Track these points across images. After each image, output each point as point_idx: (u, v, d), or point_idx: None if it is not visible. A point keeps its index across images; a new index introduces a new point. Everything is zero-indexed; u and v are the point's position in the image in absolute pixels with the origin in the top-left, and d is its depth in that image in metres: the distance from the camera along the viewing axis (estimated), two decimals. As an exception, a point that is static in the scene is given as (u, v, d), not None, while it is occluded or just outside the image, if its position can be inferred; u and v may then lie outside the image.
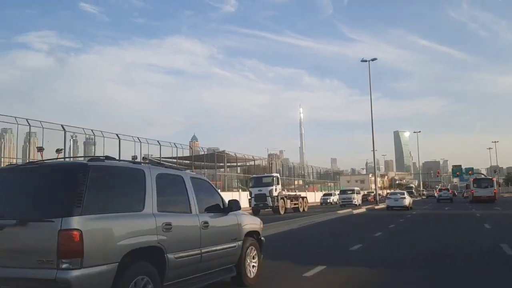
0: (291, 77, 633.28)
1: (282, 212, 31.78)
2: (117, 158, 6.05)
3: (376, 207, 39.02)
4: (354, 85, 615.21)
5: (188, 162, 42.74)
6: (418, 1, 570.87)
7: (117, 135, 33.22)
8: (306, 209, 35.88)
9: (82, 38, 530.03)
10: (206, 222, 5.82)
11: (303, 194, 44.26)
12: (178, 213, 5.52)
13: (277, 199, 32.05)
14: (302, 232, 16.68)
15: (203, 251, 5.64)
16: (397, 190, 51.21)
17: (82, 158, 6.33)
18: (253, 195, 32.62)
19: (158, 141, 36.62)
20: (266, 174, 37.79)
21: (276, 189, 32.57)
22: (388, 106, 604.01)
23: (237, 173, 57.31)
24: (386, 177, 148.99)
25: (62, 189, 4.38)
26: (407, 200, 33.87)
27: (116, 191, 4.75)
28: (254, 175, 38.74)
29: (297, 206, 34.88)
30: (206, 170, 46.48)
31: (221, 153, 47.38)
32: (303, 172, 76.93)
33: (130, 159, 6.12)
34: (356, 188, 47.71)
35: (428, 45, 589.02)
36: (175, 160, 42.00)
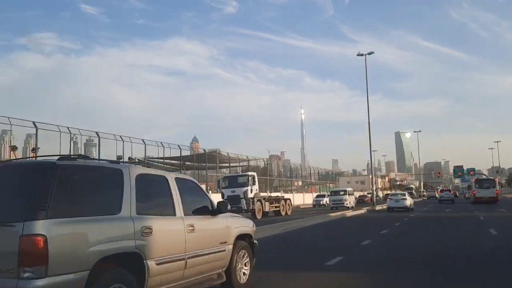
0: (292, 78, 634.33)
1: (259, 216, 28.07)
2: (114, 159, 5.97)
3: (373, 209, 37.75)
4: (355, 86, 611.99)
5: (178, 162, 41.81)
6: (418, 1, 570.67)
7: (114, 136, 32.98)
8: (289, 213, 32.28)
9: (83, 40, 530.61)
10: (192, 225, 5.53)
11: (287, 195, 41.62)
12: (160, 216, 5.19)
13: (253, 202, 28.14)
14: (270, 242, 13.11)
15: (188, 256, 5.35)
16: (398, 191, 50.31)
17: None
18: (225, 197, 28.08)
19: (143, 140, 35.82)
20: (240, 173, 34.24)
21: (251, 190, 28.76)
22: (389, 107, 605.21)
23: (229, 174, 56.00)
24: (386, 178, 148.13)
25: (27, 190, 4.05)
26: (408, 201, 33.47)
27: (88, 193, 4.44)
28: (227, 174, 36.45)
29: (278, 209, 31.17)
30: (199, 171, 46.03)
31: (213, 153, 46.03)
32: (304, 173, 76.40)
33: (114, 159, 5.82)
34: (349, 189, 43.84)
35: (429, 45, 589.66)
36: (168, 161, 41.48)
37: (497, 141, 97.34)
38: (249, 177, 29.57)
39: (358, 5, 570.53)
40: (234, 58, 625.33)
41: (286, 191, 62.39)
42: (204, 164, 46.83)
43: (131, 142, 34.84)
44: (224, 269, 6.26)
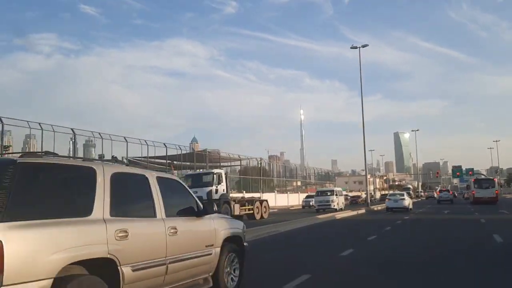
0: (292, 79, 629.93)
1: None
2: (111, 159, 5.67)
3: (366, 210, 34.87)
4: (355, 87, 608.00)
5: (169, 161, 39.79)
6: (418, 2, 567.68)
7: (164, 144, 33.88)
8: (266, 216, 28.74)
9: (83, 40, 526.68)
10: (174, 228, 5.12)
11: (264, 197, 37.48)
12: (138, 218, 4.80)
13: (220, 204, 24.08)
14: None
15: (170, 260, 4.95)
16: (396, 191, 49.00)
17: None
18: None
19: (140, 139, 34.84)
20: (204, 171, 29.62)
21: (217, 190, 24.87)
22: (389, 107, 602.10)
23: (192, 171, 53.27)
24: (384, 178, 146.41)
25: None
26: (407, 202, 32.89)
27: (53, 193, 4.04)
28: (190, 172, 31.64)
29: (251, 212, 27.39)
30: (192, 170, 43.98)
31: (203, 152, 43.61)
32: (303, 174, 75.40)
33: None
34: (337, 189, 39.89)
35: (428, 46, 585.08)
36: (159, 161, 39.51)
37: (497, 140, 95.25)
38: (215, 175, 25.35)
39: (358, 5, 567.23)
40: (234, 58, 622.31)
41: (283, 191, 60.87)
42: (195, 164, 44.87)
43: (127, 142, 34.02)
44: (211, 274, 5.87)
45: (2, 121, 25.18)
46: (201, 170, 30.39)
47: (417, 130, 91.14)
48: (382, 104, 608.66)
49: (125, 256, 4.27)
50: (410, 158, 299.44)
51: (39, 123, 27.06)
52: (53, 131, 27.87)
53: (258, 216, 27.72)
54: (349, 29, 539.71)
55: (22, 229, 3.50)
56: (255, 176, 54.74)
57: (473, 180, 47.70)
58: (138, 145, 36.00)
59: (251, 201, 28.63)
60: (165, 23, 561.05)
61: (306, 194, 56.87)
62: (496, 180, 49.66)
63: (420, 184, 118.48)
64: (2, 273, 3.26)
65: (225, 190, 25.84)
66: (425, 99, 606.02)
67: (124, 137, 32.80)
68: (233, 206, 25.82)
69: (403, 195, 35.04)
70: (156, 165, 43.29)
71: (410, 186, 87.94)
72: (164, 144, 37.26)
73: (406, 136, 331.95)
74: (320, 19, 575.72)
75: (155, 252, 4.76)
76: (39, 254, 3.54)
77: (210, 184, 24.89)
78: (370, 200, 56.52)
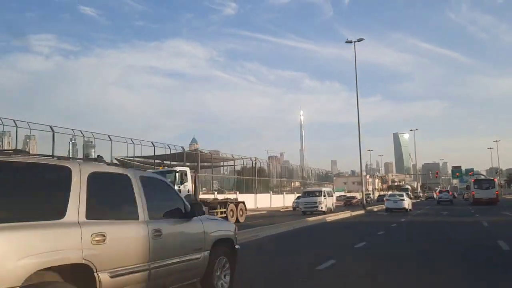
0: (292, 80, 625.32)
1: None
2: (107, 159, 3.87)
3: (361, 212, 32.65)
4: (355, 88, 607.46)
5: (159, 161, 38.06)
6: (418, 4, 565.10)
7: (109, 136, 32.11)
8: (242, 220, 26.04)
9: (82, 41, 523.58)
10: (158, 231, 4.75)
11: (241, 198, 33.02)
12: (118, 221, 4.41)
13: None
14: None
15: (153, 266, 4.58)
16: (396, 192, 47.78)
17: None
18: None
19: (109, 137, 33.01)
20: (166, 169, 26.42)
21: (180, 190, 21.85)
22: (389, 108, 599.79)
23: (212, 173, 51.13)
24: (381, 178, 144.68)
25: None
26: (406, 202, 32.26)
27: (22, 194, 3.72)
28: (149, 171, 29.41)
29: (225, 215, 24.26)
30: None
31: (194, 151, 41.68)
32: (303, 174, 74.55)
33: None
34: (326, 189, 36.29)
35: (428, 48, 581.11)
36: (150, 161, 37.87)
37: (497, 140, 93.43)
38: (177, 174, 23.00)
39: (358, 7, 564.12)
40: (234, 59, 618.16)
41: (280, 192, 59.46)
42: (185, 164, 43.20)
43: (111, 141, 32.84)
44: (199, 279, 5.59)
45: (53, 130, 25.62)
46: (165, 168, 27.75)
47: (416, 129, 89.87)
48: (382, 105, 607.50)
49: (102, 261, 3.99)
50: (410, 159, 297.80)
51: (32, 123, 26.91)
52: (52, 131, 27.59)
53: (232, 220, 24.21)
54: (349, 30, 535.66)
55: None
56: (249, 177, 53.10)
57: (473, 180, 46.71)
58: (136, 145, 35.56)
59: (225, 203, 25.65)
60: (164, 24, 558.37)
61: (296, 195, 55.17)
62: (496, 180, 48.59)
63: (419, 184, 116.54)
64: None
65: (190, 191, 23.12)
66: (424, 100, 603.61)
67: (108, 135, 31.30)
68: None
69: (402, 195, 34.09)
70: (147, 166, 41.75)
71: (409, 187, 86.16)
72: (152, 143, 35.60)
73: (405, 137, 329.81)
74: (320, 21, 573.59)
75: (136, 257, 4.45)
76: (5, 260, 3.28)
77: (171, 183, 21.78)
78: (367, 201, 54.79)
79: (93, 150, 43.36)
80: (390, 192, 54.66)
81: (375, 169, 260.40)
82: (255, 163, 52.51)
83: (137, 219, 4.63)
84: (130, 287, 4.35)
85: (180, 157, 39.80)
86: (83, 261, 3.81)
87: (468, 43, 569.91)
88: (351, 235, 15.36)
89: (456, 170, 75.45)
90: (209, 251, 5.64)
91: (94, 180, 4.25)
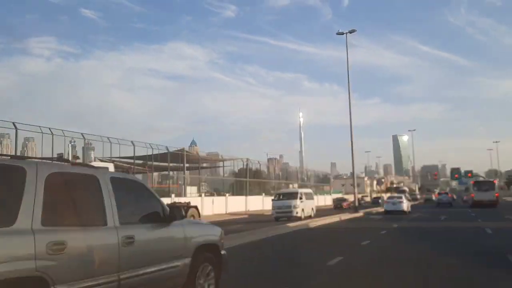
0: (291, 82, 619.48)
1: None
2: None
3: (352, 216, 29.37)
4: (354, 90, 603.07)
5: (142, 162, 35.89)
6: (417, 6, 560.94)
7: (149, 144, 32.37)
8: None
9: (82, 44, 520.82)
10: (130, 237, 4.33)
11: (231, 201, 32.85)
12: (81, 227, 4.00)
13: None
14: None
15: (123, 276, 4.16)
16: (394, 194, 46.63)
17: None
18: None
19: (82, 135, 31.28)
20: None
21: None
22: (388, 111, 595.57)
23: (200, 174, 48.51)
24: (377, 179, 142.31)
25: None
26: (405, 204, 31.76)
27: None
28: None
29: None
30: (173, 172, 40.06)
31: (180, 151, 39.16)
32: (301, 176, 72.93)
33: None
34: (305, 191, 31.53)
35: (427, 50, 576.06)
36: (130, 161, 35.54)
37: (497, 141, 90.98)
38: None
39: (357, 9, 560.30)
40: (233, 62, 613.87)
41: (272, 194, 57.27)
42: (172, 165, 40.92)
43: (84, 139, 31.54)
44: None
45: (52, 132, 25.17)
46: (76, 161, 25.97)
47: (414, 130, 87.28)
48: (382, 107, 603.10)
49: (61, 273, 3.57)
50: (409, 161, 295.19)
51: (15, 124, 25.58)
52: (51, 134, 27.38)
53: None
54: (348, 32, 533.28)
55: None
56: (240, 178, 50.77)
57: (472, 182, 45.36)
58: (120, 145, 33.86)
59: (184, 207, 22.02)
60: (164, 27, 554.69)
61: None
62: (496, 182, 46.47)
63: (417, 186, 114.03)
64: None
65: None
66: (424, 102, 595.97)
67: (82, 134, 29.06)
68: None
69: (401, 197, 33.34)
70: (130, 166, 39.52)
71: (406, 189, 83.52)
72: (132, 142, 33.25)
73: (404, 139, 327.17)
74: (319, 23, 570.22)
75: (103, 267, 3.98)
76: None
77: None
78: (360, 203, 52.17)
79: (92, 152, 41.73)
80: (388, 194, 52.63)
81: (374, 171, 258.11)
82: (247, 164, 50.10)
83: (105, 224, 4.23)
84: None
85: (163, 157, 37.34)
86: (37, 273, 3.43)
87: (467, 45, 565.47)
88: (327, 248, 12.48)
89: (455, 171, 73.70)
90: (190, 258, 5.20)
91: (54, 182, 3.84)
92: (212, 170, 67.19)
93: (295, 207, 27.13)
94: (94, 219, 4.19)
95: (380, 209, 39.42)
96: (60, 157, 4.66)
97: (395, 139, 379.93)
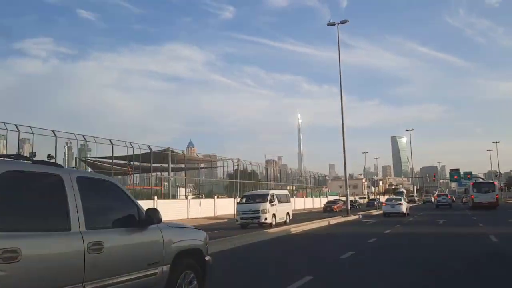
0: (290, 83, 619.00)
1: None
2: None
3: (343, 219, 26.70)
4: (353, 91, 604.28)
5: (124, 162, 33.68)
6: (416, 8, 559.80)
7: (110, 140, 30.88)
8: None
9: (80, 45, 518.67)
10: (98, 243, 3.93)
11: (219, 203, 31.24)
12: (39, 233, 3.54)
13: None
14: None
15: (89, 287, 3.79)
16: (393, 196, 45.42)
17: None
18: None
19: (53, 132, 28.34)
20: None
21: None
22: (387, 112, 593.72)
23: (185, 176, 45.59)
24: (381, 182, 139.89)
25: None
26: (404, 206, 31.15)
27: None
28: None
29: None
30: (161, 173, 37.82)
31: (164, 151, 36.86)
32: (299, 178, 71.54)
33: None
34: (278, 192, 27.03)
35: (426, 51, 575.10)
36: (116, 161, 33.35)
37: (497, 142, 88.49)
38: None
39: (355, 11, 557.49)
40: (232, 63, 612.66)
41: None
42: (156, 165, 38.70)
43: (56, 137, 28.60)
44: None
45: (55, 134, 24.76)
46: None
47: (412, 129, 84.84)
48: (380, 108, 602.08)
49: (13, 284, 3.23)
50: (408, 162, 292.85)
51: (26, 126, 26.33)
52: (54, 135, 27.19)
53: None
54: (347, 34, 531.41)
55: None
56: (231, 180, 48.54)
57: (471, 184, 43.67)
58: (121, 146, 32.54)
59: None
60: (162, 28, 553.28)
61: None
62: (496, 183, 44.66)
63: (415, 187, 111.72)
64: None
65: None
66: (423, 103, 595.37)
67: (53, 131, 26.86)
68: None
69: (400, 199, 32.64)
70: (116, 167, 37.30)
71: (403, 190, 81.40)
72: (110, 140, 30.97)
73: (403, 140, 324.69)
74: (318, 24, 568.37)
75: (65, 278, 3.62)
76: None
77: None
78: (354, 205, 49.53)
79: (89, 154, 39.89)
80: (387, 197, 50.71)
81: (373, 172, 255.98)
82: (238, 165, 47.80)
83: (68, 229, 3.80)
84: None
85: (148, 158, 35.06)
86: None
87: (466, 47, 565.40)
88: (297, 264, 9.95)
89: (454, 173, 72.38)
90: (169, 265, 4.78)
91: (7, 182, 3.47)
92: (210, 172, 65.09)
93: (264, 211, 22.36)
94: (56, 223, 3.79)
95: (375, 212, 37.28)
96: (18, 155, 3.96)
97: (394, 141, 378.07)
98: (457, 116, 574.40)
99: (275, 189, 35.31)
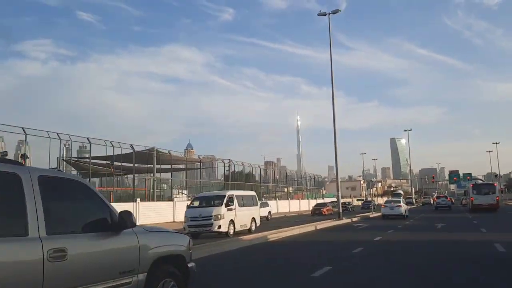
0: (290, 85, 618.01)
1: None
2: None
3: (333, 224, 24.56)
4: (352, 93, 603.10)
5: (106, 162, 31.64)
6: (414, 10, 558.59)
7: (110, 142, 29.86)
8: None
9: (79, 47, 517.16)
10: (60, 250, 3.52)
11: (163, 207, 28.05)
12: None
13: None
14: None
15: None
16: (391, 198, 42.98)
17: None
18: None
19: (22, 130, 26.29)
20: None
21: None
22: (386, 114, 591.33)
23: (171, 177, 43.55)
24: (379, 184, 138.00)
25: None
26: (403, 208, 30.71)
27: None
28: None
29: None
30: (152, 175, 35.72)
31: (149, 151, 34.67)
32: (300, 180, 70.44)
33: None
34: (240, 193, 21.73)
35: (425, 53, 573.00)
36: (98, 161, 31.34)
37: (497, 143, 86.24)
38: None
39: (354, 13, 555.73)
40: (231, 65, 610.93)
41: (270, 198, 53.35)
42: (143, 166, 36.67)
43: (25, 134, 26.42)
44: None
45: (49, 136, 24.36)
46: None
47: (410, 130, 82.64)
48: (379, 110, 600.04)
49: None
50: (407, 164, 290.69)
51: (22, 128, 24.94)
52: (48, 136, 26.29)
53: None
54: (346, 35, 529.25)
55: None
56: (223, 181, 46.51)
57: (471, 185, 41.99)
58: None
59: None
60: (162, 29, 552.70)
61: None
62: (496, 185, 42.80)
63: (413, 189, 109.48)
64: None
65: None
66: (421, 105, 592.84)
67: (22, 128, 24.75)
68: None
69: (399, 202, 32.09)
70: (99, 167, 35.29)
71: (401, 192, 79.12)
72: (88, 139, 28.86)
73: (402, 142, 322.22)
74: (317, 26, 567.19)
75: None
76: None
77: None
78: (347, 208, 47.21)
79: (87, 155, 38.40)
80: (386, 199, 48.82)
81: (372, 174, 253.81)
82: (229, 166, 45.72)
83: (25, 235, 3.40)
84: None
85: (126, 158, 32.94)
86: None
87: (464, 49, 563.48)
88: (257, 282, 8.03)
89: (454, 174, 70.39)
90: (146, 273, 4.36)
91: None
92: (209, 173, 63.28)
93: (217, 217, 17.84)
94: (10, 228, 3.39)
95: (371, 214, 35.24)
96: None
97: (393, 142, 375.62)
98: (456, 118, 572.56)
99: (243, 190, 31.62)
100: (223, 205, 18.43)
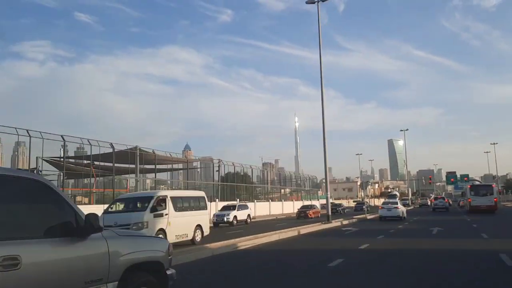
0: (288, 87, 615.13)
1: None
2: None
3: (319, 228, 22.41)
4: (350, 95, 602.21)
5: (88, 162, 29.66)
6: (412, 11, 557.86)
7: (88, 140, 28.31)
8: None
9: (77, 48, 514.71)
10: (12, 258, 3.13)
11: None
12: None
13: None
14: None
15: None
16: (388, 200, 40.03)
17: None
18: None
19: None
20: None
21: None
22: (383, 115, 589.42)
23: (155, 177, 42.07)
24: (376, 185, 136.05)
25: None
26: (401, 210, 29.96)
27: None
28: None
29: None
30: (136, 175, 33.73)
31: (131, 150, 32.41)
32: (298, 181, 69.41)
33: None
34: (185, 194, 19.26)
35: (422, 55, 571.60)
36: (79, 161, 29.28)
37: (495, 143, 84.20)
38: None
39: (352, 15, 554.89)
40: (229, 66, 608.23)
41: (270, 200, 51.72)
42: (127, 166, 34.63)
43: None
44: None
45: (42, 137, 23.41)
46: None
47: (407, 129, 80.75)
48: (377, 111, 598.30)
49: None
50: (404, 165, 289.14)
51: (27, 130, 24.36)
52: (42, 138, 25.16)
53: None
54: (344, 37, 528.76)
55: None
56: (215, 182, 44.50)
57: (469, 186, 41.04)
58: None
59: None
60: (160, 31, 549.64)
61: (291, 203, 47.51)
62: (495, 186, 41.07)
63: (410, 190, 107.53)
64: None
65: None
66: (419, 106, 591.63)
67: (15, 129, 23.08)
68: None
69: (396, 203, 31.30)
70: (80, 167, 33.28)
71: (397, 193, 77.04)
72: (62, 136, 26.78)
73: (400, 143, 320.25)
74: (314, 28, 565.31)
75: None
76: None
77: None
78: (337, 210, 44.79)
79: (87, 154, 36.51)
80: (383, 200, 47.12)
81: (369, 175, 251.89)
82: (219, 166, 43.69)
83: None
84: None
85: (106, 157, 30.85)
86: None
87: (462, 50, 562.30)
88: None
89: (451, 176, 68.65)
90: (117, 283, 3.98)
91: None
92: (207, 174, 61.44)
93: (140, 226, 13.72)
94: None
95: (368, 216, 33.33)
96: None
97: (391, 144, 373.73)
98: (453, 119, 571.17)
99: (189, 190, 29.02)
100: (148, 209, 14.34)
